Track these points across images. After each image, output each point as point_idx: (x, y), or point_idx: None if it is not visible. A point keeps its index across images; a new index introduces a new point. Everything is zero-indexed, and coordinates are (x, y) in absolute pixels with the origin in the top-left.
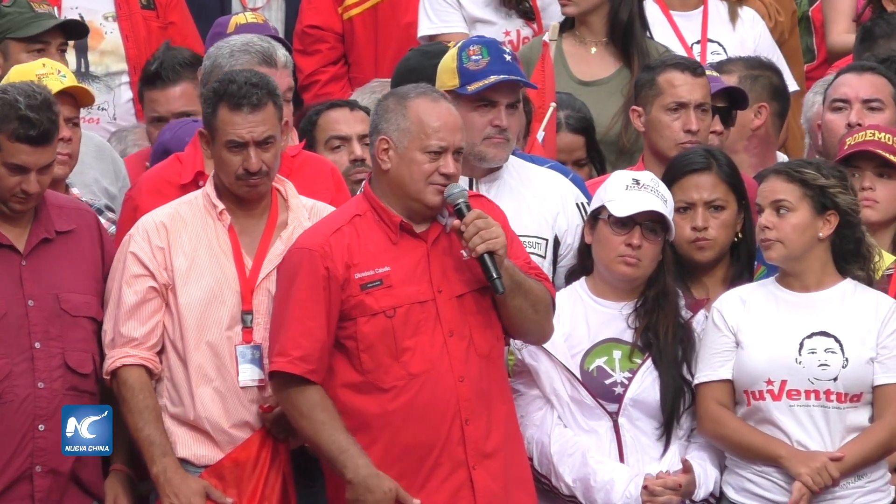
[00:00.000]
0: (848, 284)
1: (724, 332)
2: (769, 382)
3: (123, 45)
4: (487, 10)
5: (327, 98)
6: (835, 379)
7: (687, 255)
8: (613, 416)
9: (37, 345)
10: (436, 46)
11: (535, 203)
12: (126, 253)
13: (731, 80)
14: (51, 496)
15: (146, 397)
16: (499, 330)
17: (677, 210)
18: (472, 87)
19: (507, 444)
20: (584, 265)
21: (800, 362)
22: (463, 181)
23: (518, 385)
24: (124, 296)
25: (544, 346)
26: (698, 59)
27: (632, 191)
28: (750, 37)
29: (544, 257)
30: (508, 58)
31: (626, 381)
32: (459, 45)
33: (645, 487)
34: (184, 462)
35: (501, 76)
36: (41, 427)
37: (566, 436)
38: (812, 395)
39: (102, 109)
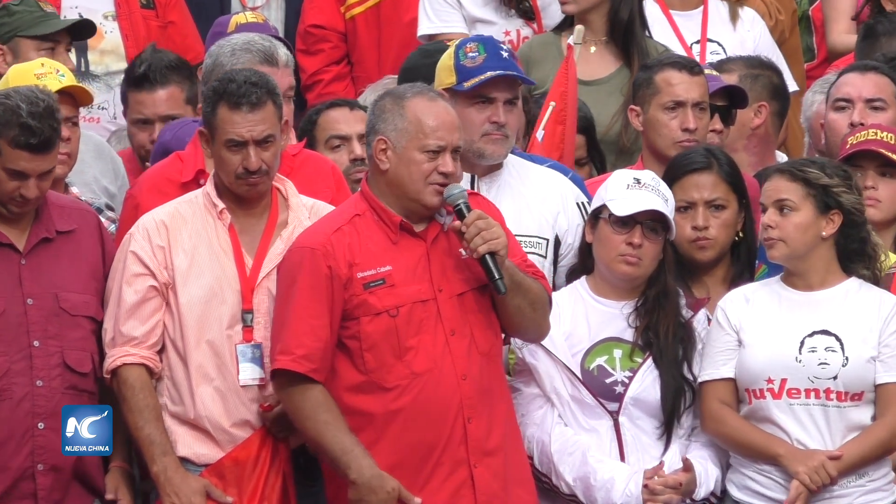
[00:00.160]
0: (852, 283)
1: (727, 331)
2: (769, 381)
3: (123, 45)
4: (487, 10)
5: (331, 98)
6: (834, 377)
7: (687, 254)
8: (614, 415)
9: (35, 343)
10: (434, 45)
11: (536, 203)
12: (126, 252)
13: (731, 80)
14: (53, 494)
15: (146, 396)
16: (498, 328)
17: (678, 209)
18: (468, 84)
19: (508, 442)
20: (584, 264)
21: (800, 361)
22: (465, 180)
23: (518, 384)
24: (124, 295)
25: (545, 344)
26: (698, 58)
27: (633, 190)
28: (750, 37)
29: (545, 257)
30: (505, 54)
31: (626, 381)
32: (456, 43)
33: (645, 486)
34: (184, 461)
35: (497, 71)
36: (40, 425)
37: (566, 435)
38: (812, 394)
39: (102, 109)
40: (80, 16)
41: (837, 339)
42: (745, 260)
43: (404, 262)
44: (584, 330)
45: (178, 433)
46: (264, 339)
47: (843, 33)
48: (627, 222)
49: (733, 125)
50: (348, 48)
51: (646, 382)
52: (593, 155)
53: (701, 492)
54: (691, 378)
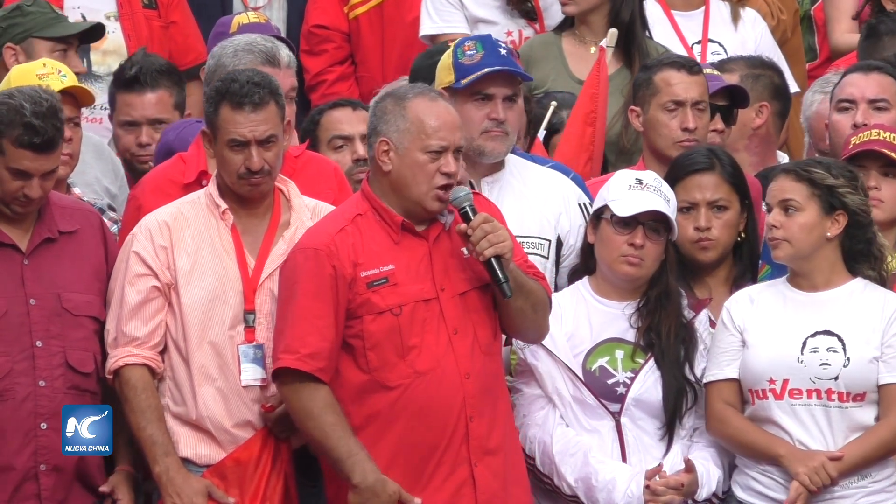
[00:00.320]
0: (857, 283)
1: (731, 332)
2: (771, 381)
3: (125, 45)
4: (490, 10)
5: (335, 98)
6: (835, 378)
7: (690, 255)
8: (616, 416)
9: (38, 343)
10: (438, 47)
11: (538, 204)
12: (129, 252)
13: (732, 79)
14: (56, 494)
15: (148, 397)
16: (498, 327)
17: (680, 210)
18: (465, 80)
19: (507, 442)
20: (586, 265)
21: (802, 361)
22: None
23: (520, 384)
24: (127, 295)
25: (546, 345)
26: (699, 59)
27: (635, 190)
28: (751, 38)
29: (547, 258)
30: (503, 52)
31: (628, 381)
32: (455, 42)
33: (647, 487)
34: (186, 462)
35: (495, 67)
36: (43, 426)
37: (568, 435)
38: (813, 395)
39: (105, 109)
40: (83, 16)
41: (840, 339)
42: (747, 260)
43: (407, 261)
44: (585, 330)
45: (179, 434)
46: (266, 339)
47: (845, 33)
48: (629, 223)
49: (734, 125)
50: (352, 48)
51: (647, 383)
52: None
53: (703, 492)
54: (693, 379)
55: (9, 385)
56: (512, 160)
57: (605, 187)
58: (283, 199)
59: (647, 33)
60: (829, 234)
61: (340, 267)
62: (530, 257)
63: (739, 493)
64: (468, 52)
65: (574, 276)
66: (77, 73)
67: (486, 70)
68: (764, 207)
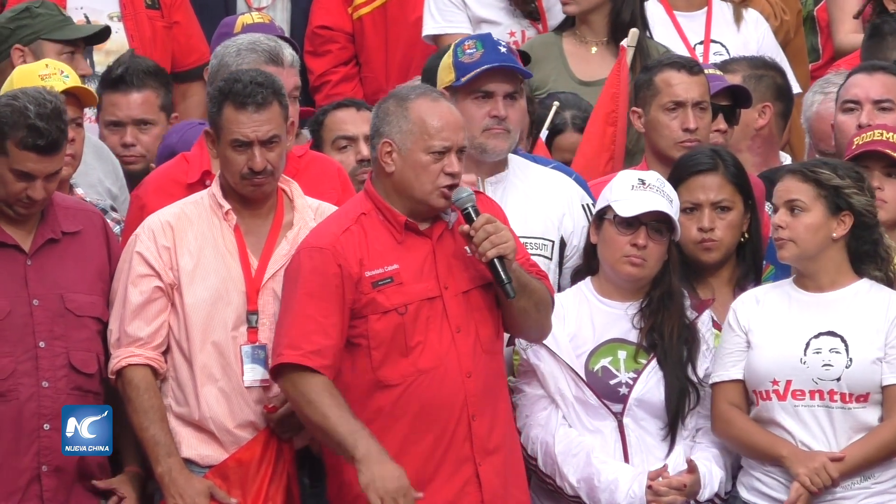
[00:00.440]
0: (863, 284)
1: (736, 332)
2: (775, 382)
3: (128, 45)
4: (492, 10)
5: (339, 98)
6: (838, 379)
7: (693, 255)
8: (618, 417)
9: (41, 344)
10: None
11: (542, 204)
12: (132, 252)
13: (735, 80)
14: (58, 495)
15: (151, 397)
16: (500, 326)
17: (683, 211)
18: (465, 78)
19: (507, 441)
20: (589, 265)
21: (804, 362)
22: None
23: (522, 385)
24: (130, 295)
25: (549, 346)
26: (701, 59)
27: (637, 191)
28: (753, 38)
29: (550, 259)
30: (503, 49)
31: (630, 382)
32: (456, 41)
33: (649, 487)
34: (188, 462)
35: (494, 63)
36: (46, 426)
37: (570, 436)
38: (816, 396)
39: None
40: (86, 16)
41: (843, 340)
42: (750, 261)
43: (411, 260)
44: (588, 331)
45: (182, 434)
46: (269, 340)
47: (849, 33)
48: (632, 223)
49: (737, 125)
50: (356, 49)
51: (650, 384)
52: None
53: (705, 493)
54: (696, 379)
55: (12, 386)
56: (515, 161)
57: (608, 188)
58: (286, 200)
59: (648, 33)
60: (834, 234)
61: (347, 266)
62: (533, 258)
63: (744, 493)
64: (468, 51)
65: (577, 276)
66: (83, 76)
67: (486, 66)
68: (769, 208)
